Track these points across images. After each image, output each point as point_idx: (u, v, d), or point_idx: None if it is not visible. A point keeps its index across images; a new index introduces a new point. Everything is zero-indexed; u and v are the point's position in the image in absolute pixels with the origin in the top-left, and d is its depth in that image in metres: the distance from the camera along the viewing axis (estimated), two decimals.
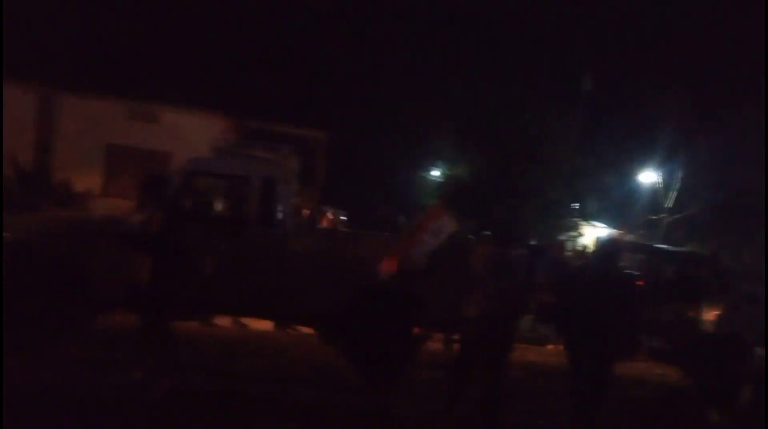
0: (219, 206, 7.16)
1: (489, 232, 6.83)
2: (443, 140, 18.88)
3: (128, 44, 15.50)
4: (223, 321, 8.78)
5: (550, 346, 9.77)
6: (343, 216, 12.68)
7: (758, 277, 14.88)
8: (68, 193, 12.25)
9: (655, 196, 18.47)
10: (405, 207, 15.62)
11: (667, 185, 18.21)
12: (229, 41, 16.53)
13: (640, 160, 18.51)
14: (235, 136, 14.67)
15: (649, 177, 18.45)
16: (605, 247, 6.05)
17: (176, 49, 15.97)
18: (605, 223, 17.87)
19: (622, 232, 15.86)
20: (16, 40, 14.53)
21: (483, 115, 18.18)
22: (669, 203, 18.10)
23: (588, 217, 18.54)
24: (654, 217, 18.40)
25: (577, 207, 18.38)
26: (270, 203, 6.79)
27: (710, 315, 9.12)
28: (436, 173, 20.26)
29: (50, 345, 6.24)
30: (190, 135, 14.66)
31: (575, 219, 18.11)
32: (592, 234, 17.48)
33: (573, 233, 17.22)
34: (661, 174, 18.25)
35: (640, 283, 10.08)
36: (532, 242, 11.88)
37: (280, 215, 6.87)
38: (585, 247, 15.16)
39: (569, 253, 11.85)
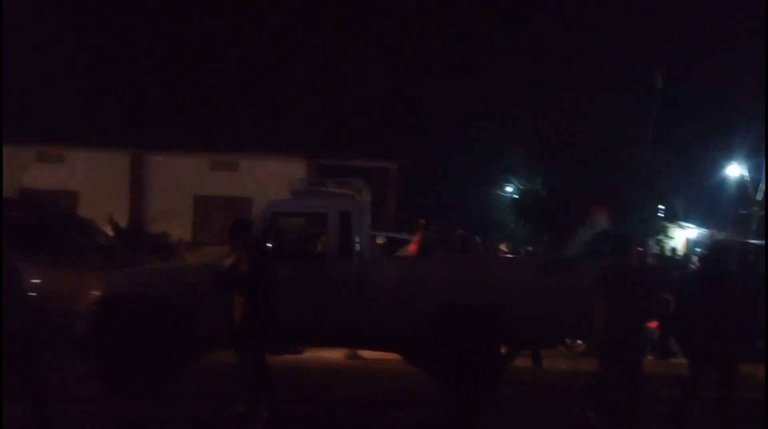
0: (301, 243, 7.53)
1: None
2: (515, 155, 18.78)
3: (205, 101, 16.52)
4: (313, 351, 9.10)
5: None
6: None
7: None
8: (163, 245, 13.09)
9: (744, 189, 17.60)
10: (481, 226, 15.63)
11: (755, 177, 17.33)
12: (295, 85, 17.26)
13: (725, 153, 17.74)
14: (310, 175, 15.25)
15: (735, 170, 17.62)
16: (716, 253, 6.31)
17: (249, 98, 16.86)
18: (694, 223, 17.15)
19: (712, 230, 15.20)
20: (107, 110, 15.84)
21: (555, 124, 17.99)
22: (759, 196, 17.19)
23: (675, 217, 17.87)
24: (745, 211, 17.51)
25: (662, 208, 17.74)
26: (347, 236, 7.09)
27: None
28: (509, 189, 20.13)
29: (159, 384, 6.73)
30: (269, 179, 15.40)
31: (662, 221, 17.48)
32: (681, 235, 16.83)
33: (660, 236, 16.61)
34: (747, 166, 17.41)
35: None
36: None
37: (357, 246, 7.16)
38: (675, 249, 14.62)
39: (652, 257, 11.50)
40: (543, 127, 18.24)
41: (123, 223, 13.77)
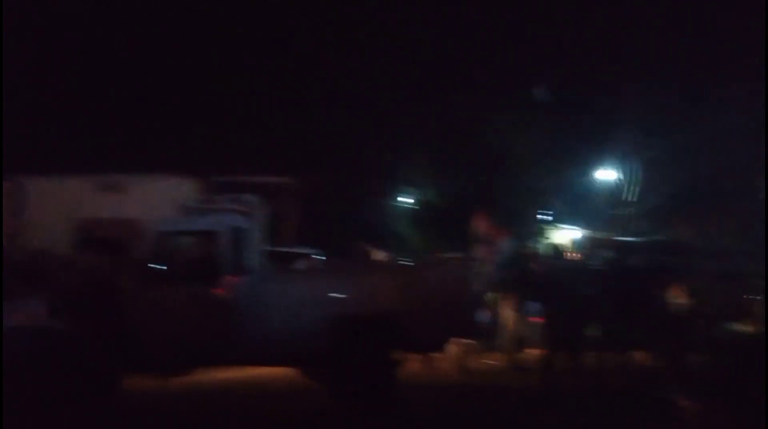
0: (192, 262, 7.42)
1: None
2: (410, 165, 19.26)
3: (88, 120, 15.80)
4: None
5: None
6: (317, 254, 12.94)
7: (725, 255, 15.55)
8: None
9: (617, 192, 19.05)
10: (380, 235, 15.91)
11: (627, 181, 18.81)
12: (182, 102, 16.86)
13: (601, 158, 19.10)
14: (202, 193, 14.92)
15: (610, 174, 19.05)
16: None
17: (135, 117, 16.29)
18: (573, 224, 18.31)
19: (589, 230, 16.30)
20: None
21: (445, 134, 18.63)
22: (630, 198, 18.70)
23: (556, 220, 18.97)
24: (617, 212, 18.96)
25: (545, 211, 18.81)
26: (240, 252, 7.08)
27: (681, 296, 9.37)
28: (407, 199, 20.55)
29: None
30: (159, 198, 14.86)
31: (543, 224, 18.52)
32: (562, 236, 17.84)
33: (542, 237, 17.60)
34: (621, 171, 18.86)
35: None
36: None
37: (252, 262, 7.16)
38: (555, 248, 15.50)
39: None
40: (437, 139, 18.86)
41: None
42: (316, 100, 19.56)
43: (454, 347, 10.00)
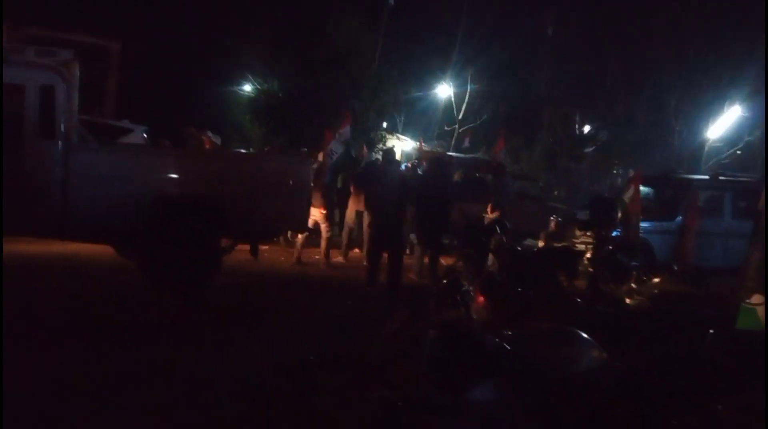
0: None
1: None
2: (253, 54, 18.34)
3: None
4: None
5: None
6: (145, 132, 12.09)
7: (531, 178, 17.18)
8: None
9: (450, 108, 19.81)
10: (214, 123, 15.20)
11: (458, 99, 19.58)
12: None
13: (438, 75, 19.58)
14: (8, 41, 13.02)
15: (444, 91, 19.67)
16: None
17: None
18: (408, 136, 18.86)
19: (420, 143, 16.94)
20: None
21: (291, 27, 17.88)
22: (459, 115, 19.59)
23: (395, 130, 19.40)
24: (448, 128, 19.84)
25: (383, 119, 19.09)
26: (50, 114, 6.36)
27: (490, 212, 10.18)
28: (247, 88, 19.71)
29: None
30: None
31: (382, 131, 18.83)
32: (399, 146, 18.39)
33: (380, 145, 17.94)
34: (453, 88, 19.53)
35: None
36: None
37: (63, 127, 6.48)
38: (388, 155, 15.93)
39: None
40: (282, 29, 18.04)
41: None
42: None
43: (288, 239, 10.15)
